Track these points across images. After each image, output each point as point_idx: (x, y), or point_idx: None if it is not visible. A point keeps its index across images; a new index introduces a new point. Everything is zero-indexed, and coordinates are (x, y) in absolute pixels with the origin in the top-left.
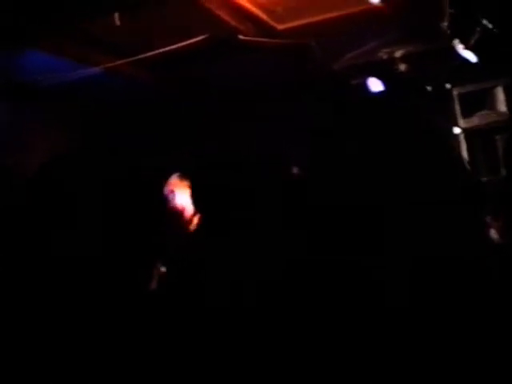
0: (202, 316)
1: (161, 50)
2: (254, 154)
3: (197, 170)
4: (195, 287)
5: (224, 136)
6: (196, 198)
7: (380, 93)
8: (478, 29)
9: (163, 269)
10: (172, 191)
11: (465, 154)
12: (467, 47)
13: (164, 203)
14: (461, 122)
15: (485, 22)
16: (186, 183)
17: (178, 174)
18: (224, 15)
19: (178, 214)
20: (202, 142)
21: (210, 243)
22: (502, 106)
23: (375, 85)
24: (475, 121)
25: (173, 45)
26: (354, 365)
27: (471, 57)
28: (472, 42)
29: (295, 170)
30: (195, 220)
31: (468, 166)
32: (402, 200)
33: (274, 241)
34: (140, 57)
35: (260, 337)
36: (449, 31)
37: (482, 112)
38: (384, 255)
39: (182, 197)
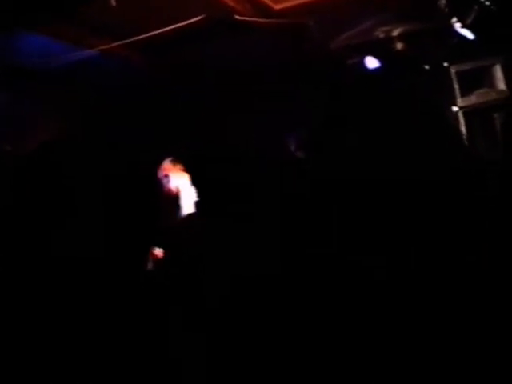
0: (200, 306)
1: (157, 32)
2: (252, 143)
3: (194, 164)
4: (193, 278)
5: (221, 123)
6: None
7: (377, 70)
8: (476, 7)
9: (159, 251)
10: (166, 175)
11: (463, 132)
12: (465, 25)
13: (159, 188)
14: (459, 100)
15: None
16: (179, 167)
17: (170, 158)
18: None
19: (173, 196)
20: (199, 133)
21: (209, 235)
22: (501, 84)
23: (372, 64)
24: (473, 99)
25: (169, 26)
26: (352, 357)
27: (469, 35)
28: (469, 20)
29: (297, 152)
30: (191, 202)
31: (467, 145)
32: (402, 180)
33: (272, 234)
34: (136, 38)
35: (257, 329)
36: (446, 9)
37: (481, 90)
38: (383, 250)
39: (176, 180)
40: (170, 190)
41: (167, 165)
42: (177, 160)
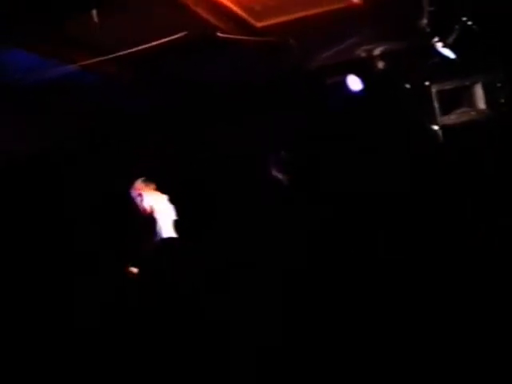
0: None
1: (139, 48)
2: (232, 160)
3: (173, 183)
4: (170, 289)
5: (202, 139)
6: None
7: (359, 89)
8: (457, 26)
9: (134, 269)
10: (140, 194)
11: (443, 150)
12: (446, 45)
13: (133, 207)
14: (439, 119)
15: (464, 19)
16: (151, 186)
17: (142, 178)
18: (203, 12)
19: (148, 215)
20: (179, 149)
21: (186, 247)
22: (481, 104)
23: (354, 83)
24: (453, 118)
25: (151, 42)
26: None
27: (450, 54)
28: (451, 39)
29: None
30: (169, 221)
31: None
32: (385, 192)
33: (253, 252)
34: (118, 54)
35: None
36: (428, 29)
37: (461, 109)
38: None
39: (149, 199)
40: (144, 209)
41: (139, 184)
42: (149, 180)
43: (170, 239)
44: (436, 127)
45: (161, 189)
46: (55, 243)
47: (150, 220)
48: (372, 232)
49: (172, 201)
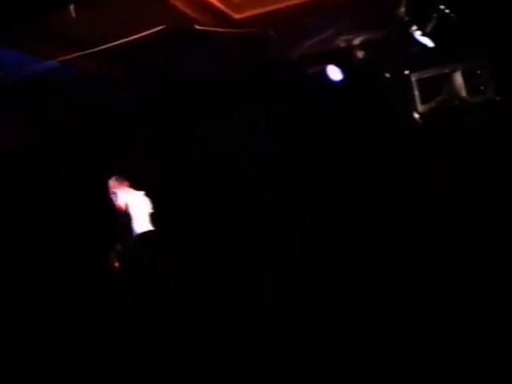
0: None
1: (117, 42)
2: (213, 153)
3: (149, 177)
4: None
5: (190, 133)
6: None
7: (339, 79)
8: (435, 15)
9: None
10: (114, 192)
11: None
12: (425, 33)
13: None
14: (420, 107)
15: (442, 7)
16: (125, 184)
17: (115, 176)
18: (180, 5)
19: (123, 212)
20: (160, 143)
21: (175, 242)
22: (462, 91)
23: (334, 73)
24: (434, 105)
25: (129, 36)
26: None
27: (429, 43)
28: (429, 28)
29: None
30: (145, 216)
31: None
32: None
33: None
34: (97, 49)
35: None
36: (406, 18)
37: (441, 97)
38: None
39: (123, 196)
40: (119, 207)
41: (113, 182)
42: (122, 177)
43: (147, 233)
44: (417, 115)
45: (149, 184)
46: (49, 242)
47: (125, 217)
48: (366, 228)
49: (161, 196)
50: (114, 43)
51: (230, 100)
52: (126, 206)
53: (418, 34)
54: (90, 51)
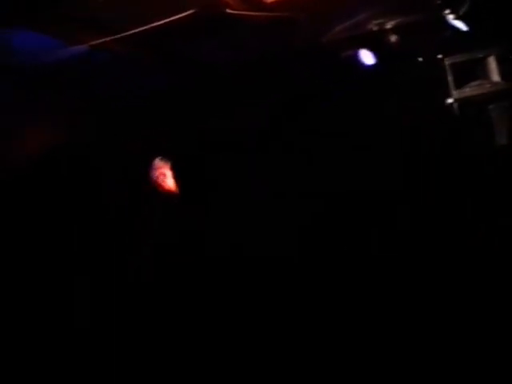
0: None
1: (147, 26)
2: (239, 133)
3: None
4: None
5: (210, 118)
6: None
7: (371, 64)
8: None
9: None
10: (162, 173)
11: (458, 124)
12: (458, 17)
13: (154, 187)
14: (454, 92)
15: None
16: (168, 165)
17: (159, 157)
18: None
19: (172, 193)
20: (188, 129)
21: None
22: (495, 76)
23: (367, 57)
24: (468, 91)
25: (159, 20)
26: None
27: (462, 26)
28: (463, 11)
29: None
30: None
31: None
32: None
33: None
34: (126, 34)
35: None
36: (439, 1)
37: (475, 82)
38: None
39: (170, 178)
40: (168, 188)
41: (159, 163)
42: (165, 158)
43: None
44: (451, 101)
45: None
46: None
47: (174, 199)
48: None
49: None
50: (141, 28)
51: (254, 85)
52: (174, 186)
53: (451, 18)
54: (116, 36)
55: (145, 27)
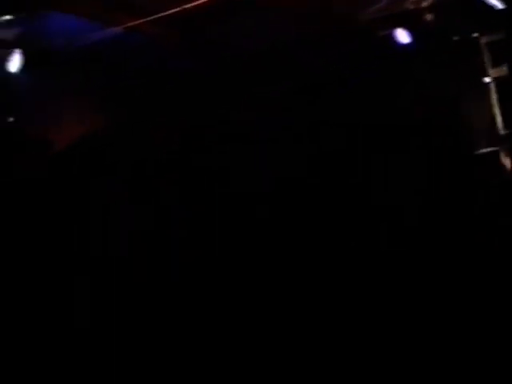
0: None
1: (180, 8)
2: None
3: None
4: None
5: (242, 100)
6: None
7: (408, 42)
8: None
9: None
10: None
11: (495, 103)
12: None
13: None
14: (490, 71)
15: None
16: None
17: None
18: None
19: None
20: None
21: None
22: None
23: (403, 36)
24: (505, 69)
25: (193, 2)
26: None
27: (498, 4)
28: None
29: None
30: None
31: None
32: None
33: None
34: (158, 15)
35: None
36: None
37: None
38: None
39: None
40: None
41: None
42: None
43: None
44: (488, 79)
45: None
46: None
47: None
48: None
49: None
50: (175, 10)
51: (290, 64)
52: None
53: None
54: (151, 18)
55: (178, 8)
